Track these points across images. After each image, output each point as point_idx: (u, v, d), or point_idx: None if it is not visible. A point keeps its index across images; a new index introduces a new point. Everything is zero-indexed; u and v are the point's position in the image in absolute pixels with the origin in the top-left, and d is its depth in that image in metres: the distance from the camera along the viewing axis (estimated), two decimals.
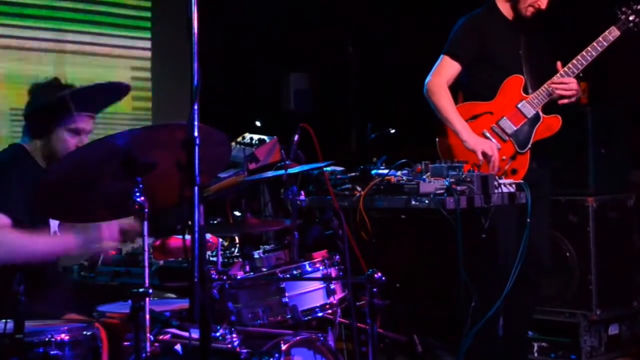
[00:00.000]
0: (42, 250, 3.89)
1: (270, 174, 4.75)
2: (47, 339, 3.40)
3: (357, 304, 4.16)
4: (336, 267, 4.13)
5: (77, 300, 4.34)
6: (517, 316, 5.29)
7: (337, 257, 4.16)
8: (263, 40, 8.14)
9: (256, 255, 4.77)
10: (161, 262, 4.71)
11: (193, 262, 2.86)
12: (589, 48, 5.15)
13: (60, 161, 3.71)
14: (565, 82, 5.13)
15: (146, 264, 3.32)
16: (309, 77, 8.34)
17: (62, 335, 3.45)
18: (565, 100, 5.17)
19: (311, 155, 4.83)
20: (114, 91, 4.23)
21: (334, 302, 4.03)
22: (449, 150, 5.21)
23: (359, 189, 4.93)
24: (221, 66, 7.23)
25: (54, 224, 4.13)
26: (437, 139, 5.28)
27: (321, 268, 4.07)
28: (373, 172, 5.02)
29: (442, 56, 5.25)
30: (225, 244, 5.02)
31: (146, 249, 3.32)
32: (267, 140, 5.49)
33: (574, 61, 5.14)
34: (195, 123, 2.91)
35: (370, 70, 8.17)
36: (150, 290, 3.24)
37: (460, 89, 5.37)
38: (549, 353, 6.21)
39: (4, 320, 3.32)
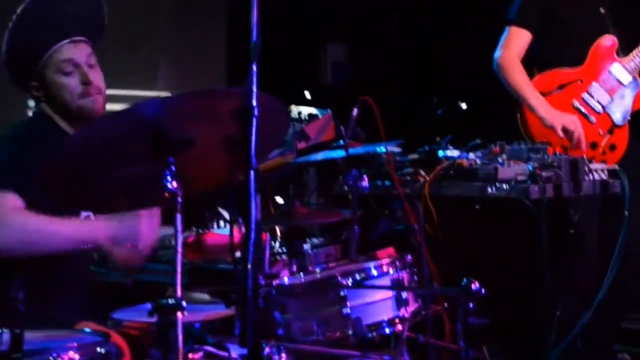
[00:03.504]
0: (62, 236, 3.31)
1: (324, 154, 4.11)
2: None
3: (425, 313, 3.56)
4: (408, 271, 3.50)
5: (88, 302, 3.77)
6: (604, 327, 4.83)
7: (409, 257, 3.53)
8: (298, 8, 7.80)
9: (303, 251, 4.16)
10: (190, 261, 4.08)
11: (245, 268, 2.29)
12: None
13: (71, 138, 3.08)
14: None
15: (179, 268, 2.69)
16: (348, 49, 8.09)
17: (71, 354, 2.85)
18: None
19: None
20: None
21: (406, 315, 3.44)
22: (530, 130, 4.89)
23: (423, 173, 4.55)
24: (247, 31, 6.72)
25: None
26: (518, 116, 4.89)
27: (391, 271, 3.45)
28: (439, 153, 4.61)
29: (507, 28, 4.96)
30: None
31: (179, 249, 2.69)
32: (320, 115, 4.85)
33: None
34: (254, 89, 2.40)
35: (416, 40, 7.78)
36: (184, 303, 2.65)
37: (535, 64, 5.00)
38: None
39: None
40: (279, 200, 4.64)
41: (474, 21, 6.77)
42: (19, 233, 3.22)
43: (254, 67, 2.37)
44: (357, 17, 7.77)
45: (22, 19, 3.40)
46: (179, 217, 2.76)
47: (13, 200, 3.28)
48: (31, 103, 5.65)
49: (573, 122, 4.70)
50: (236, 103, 2.47)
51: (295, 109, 4.89)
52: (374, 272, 3.47)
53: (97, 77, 3.51)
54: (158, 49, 7.74)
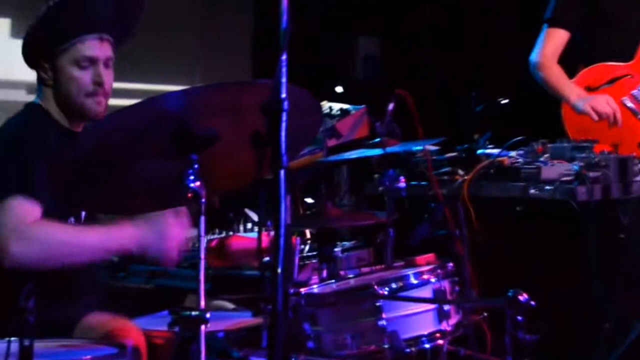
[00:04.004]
0: (89, 247, 3.13)
1: (357, 153, 3.89)
2: None
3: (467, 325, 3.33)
4: (450, 280, 3.27)
5: (105, 308, 3.56)
6: None
7: (450, 264, 3.30)
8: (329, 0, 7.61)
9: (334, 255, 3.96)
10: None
11: (274, 277, 2.06)
12: None
13: (85, 133, 2.87)
14: None
15: (202, 276, 2.47)
16: (380, 42, 7.85)
17: None
18: None
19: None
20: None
21: (447, 329, 3.21)
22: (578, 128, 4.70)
23: (461, 172, 4.35)
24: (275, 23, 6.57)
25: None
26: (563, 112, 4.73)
27: (432, 280, 3.20)
28: (478, 152, 4.43)
29: (544, 28, 4.84)
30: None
31: (203, 255, 2.48)
32: (352, 111, 4.62)
33: None
34: (284, 80, 2.18)
35: (451, 33, 7.57)
36: (208, 315, 2.45)
37: (580, 60, 4.86)
38: None
39: (7, 340, 2.59)
40: (309, 200, 4.42)
41: (514, 11, 6.56)
42: (43, 247, 3.05)
43: (284, 57, 2.14)
44: (389, 9, 7.55)
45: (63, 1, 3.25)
46: (202, 220, 2.55)
47: (30, 209, 3.09)
48: None
49: (603, 102, 4.56)
50: (264, 96, 2.27)
51: (326, 105, 4.66)
52: (414, 281, 3.23)
53: (109, 79, 3.35)
54: (183, 41, 7.53)
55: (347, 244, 4.21)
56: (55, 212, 3.12)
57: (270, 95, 2.13)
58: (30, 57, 3.37)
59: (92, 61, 3.29)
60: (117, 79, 3.42)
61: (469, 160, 4.40)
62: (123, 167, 2.66)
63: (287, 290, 2.14)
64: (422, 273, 3.25)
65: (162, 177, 2.68)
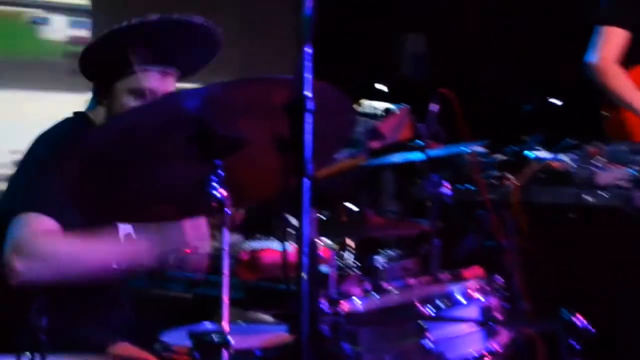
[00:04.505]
0: (101, 261, 2.94)
1: (401, 156, 3.66)
2: None
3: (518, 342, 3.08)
4: (499, 296, 3.02)
5: (139, 318, 3.39)
6: None
7: (499, 278, 3.05)
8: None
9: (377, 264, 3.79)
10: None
11: (299, 300, 1.85)
12: None
13: (96, 131, 2.66)
14: None
15: (225, 295, 2.25)
16: (427, 39, 7.60)
17: None
18: None
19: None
20: (202, 37, 3.11)
21: (498, 348, 2.93)
22: (624, 128, 4.63)
23: (510, 177, 4.14)
24: (323, 23, 6.36)
25: (124, 226, 3.16)
26: (604, 113, 4.62)
27: (479, 297, 2.95)
28: (528, 154, 4.24)
29: (601, 27, 4.63)
30: (335, 247, 3.95)
31: (226, 271, 2.26)
32: (395, 111, 4.39)
33: None
34: (307, 76, 1.95)
35: (499, 31, 7.28)
36: (231, 340, 2.24)
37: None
38: None
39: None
40: (352, 207, 4.18)
41: (566, 7, 6.32)
42: (46, 262, 2.86)
43: (308, 49, 1.91)
44: (438, 6, 7.35)
45: (134, 30, 3.02)
46: (226, 232, 2.33)
47: (43, 223, 2.90)
48: None
49: None
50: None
51: (367, 104, 4.43)
52: (460, 298, 2.96)
53: None
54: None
55: (391, 253, 3.98)
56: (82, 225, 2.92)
57: (293, 93, 1.90)
58: (88, 71, 3.16)
59: (149, 92, 3.05)
60: None
61: (518, 163, 4.22)
62: (142, 171, 2.46)
63: (314, 310, 1.92)
64: (468, 289, 2.99)
65: (186, 183, 2.47)
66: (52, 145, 3.02)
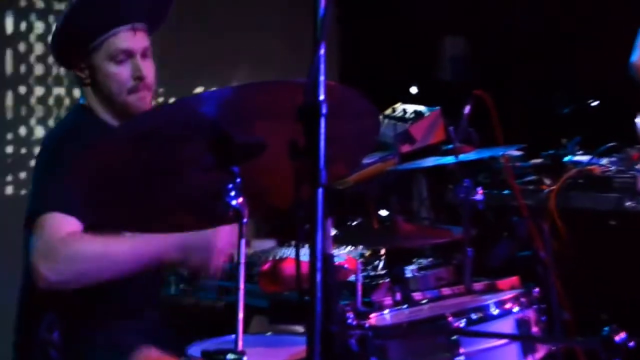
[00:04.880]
0: (124, 259, 2.81)
1: (433, 160, 3.51)
2: None
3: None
4: (536, 308, 2.84)
5: (168, 328, 3.29)
6: None
7: (536, 290, 2.88)
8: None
9: (408, 274, 3.59)
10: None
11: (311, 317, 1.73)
12: None
13: (107, 137, 2.55)
14: None
15: (241, 311, 2.12)
16: (467, 41, 7.39)
17: None
18: None
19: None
20: None
21: None
22: None
23: (547, 182, 4.11)
24: (359, 25, 6.46)
25: None
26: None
27: (515, 310, 2.78)
28: (566, 158, 4.18)
29: None
30: (366, 254, 3.81)
31: (242, 285, 2.14)
32: (427, 113, 4.23)
33: None
34: (321, 78, 1.80)
35: (541, 33, 7.00)
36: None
37: None
38: None
39: None
40: (383, 213, 4.03)
41: (607, 7, 6.13)
42: (71, 263, 2.75)
43: (322, 50, 1.78)
44: (477, 7, 7.13)
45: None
46: (242, 243, 2.20)
47: (64, 224, 2.80)
48: None
49: None
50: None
51: (400, 107, 4.28)
52: (494, 311, 2.77)
53: (149, 70, 3.07)
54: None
55: (424, 261, 3.81)
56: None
57: (306, 96, 1.77)
58: (63, 57, 3.13)
59: (129, 54, 3.02)
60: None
61: (555, 167, 4.15)
62: (157, 179, 2.33)
63: (327, 326, 1.78)
64: (504, 302, 2.78)
65: (202, 191, 2.33)
66: (58, 142, 3.01)
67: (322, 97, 1.77)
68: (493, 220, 3.75)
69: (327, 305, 1.75)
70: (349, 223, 4.07)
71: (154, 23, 3.11)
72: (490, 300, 2.80)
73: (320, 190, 1.74)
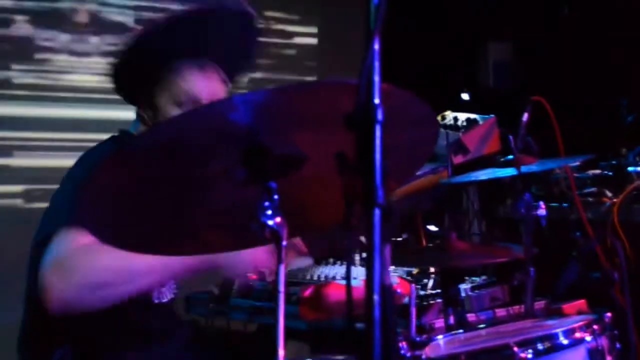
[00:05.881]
0: (145, 270, 2.50)
1: (489, 172, 3.19)
2: None
3: None
4: (609, 335, 2.53)
5: (197, 353, 3.00)
6: None
7: (608, 315, 2.56)
8: (456, 2, 7.04)
9: (462, 293, 3.27)
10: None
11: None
12: None
13: (124, 152, 2.25)
14: None
15: (281, 341, 1.85)
16: (512, 47, 7.26)
17: None
18: None
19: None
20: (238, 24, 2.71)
21: None
22: None
23: (609, 194, 3.90)
24: (402, 31, 6.00)
25: None
26: None
27: (587, 338, 2.46)
28: (630, 169, 3.96)
29: None
30: (414, 271, 3.50)
31: (281, 311, 1.87)
32: (480, 121, 3.92)
33: None
34: (376, 79, 1.49)
35: (590, 37, 6.79)
36: None
37: None
38: None
39: None
40: (433, 228, 3.72)
41: None
42: (89, 274, 2.43)
43: (376, 45, 1.48)
44: (522, 12, 6.96)
45: (164, 23, 2.65)
46: (282, 269, 1.91)
47: (83, 237, 2.44)
48: None
49: None
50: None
51: (450, 115, 3.97)
52: (564, 341, 2.47)
53: None
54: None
55: (477, 279, 3.50)
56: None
57: (357, 101, 1.48)
58: (125, 92, 2.79)
59: (194, 100, 2.68)
60: None
61: (618, 179, 3.92)
62: (182, 195, 2.04)
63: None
64: (574, 330, 2.49)
65: (235, 209, 2.05)
66: (90, 166, 2.63)
67: (377, 101, 1.47)
68: (552, 236, 3.45)
69: (386, 343, 1.45)
70: (394, 240, 3.79)
71: (234, 67, 2.80)
72: (558, 328, 2.49)
73: (377, 212, 1.44)
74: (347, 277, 1.76)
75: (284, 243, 1.90)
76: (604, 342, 2.52)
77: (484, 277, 3.52)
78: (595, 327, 2.50)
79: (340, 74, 4.92)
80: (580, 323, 2.50)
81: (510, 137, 3.09)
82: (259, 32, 2.74)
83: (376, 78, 1.48)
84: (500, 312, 3.18)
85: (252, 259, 2.56)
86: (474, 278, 3.51)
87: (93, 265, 2.43)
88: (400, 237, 3.81)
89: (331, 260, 3.56)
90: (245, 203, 2.01)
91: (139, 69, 2.65)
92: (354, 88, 1.66)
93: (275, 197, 1.91)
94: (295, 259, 2.82)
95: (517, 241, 3.20)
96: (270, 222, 1.89)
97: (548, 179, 3.90)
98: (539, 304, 3.11)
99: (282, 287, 1.88)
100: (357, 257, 3.75)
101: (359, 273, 3.49)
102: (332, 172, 2.00)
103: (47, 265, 2.42)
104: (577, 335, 2.49)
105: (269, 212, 1.90)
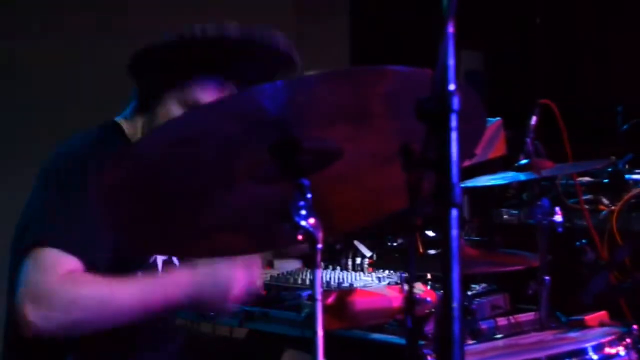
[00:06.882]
0: (128, 304, 2.32)
1: (500, 177, 3.05)
2: None
3: None
4: (637, 348, 2.38)
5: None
6: None
7: (635, 328, 2.42)
8: (425, 9, 6.75)
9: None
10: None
11: None
12: None
13: (144, 141, 2.06)
14: None
15: (320, 344, 1.69)
16: (483, 56, 7.09)
17: None
18: None
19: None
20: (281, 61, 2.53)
21: None
22: None
23: (605, 201, 3.69)
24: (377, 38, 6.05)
25: (159, 261, 2.61)
26: None
27: (621, 353, 2.32)
28: (628, 176, 3.73)
29: None
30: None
31: (320, 321, 1.70)
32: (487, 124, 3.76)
33: None
34: (450, 63, 1.36)
35: (563, 46, 6.69)
36: None
37: None
38: None
39: None
40: (430, 234, 3.55)
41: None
42: (73, 312, 2.26)
43: (450, 29, 1.33)
44: (494, 21, 6.85)
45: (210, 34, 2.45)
46: (318, 273, 1.74)
47: (65, 264, 2.30)
48: None
49: None
50: (398, 90, 1.53)
51: None
52: (594, 356, 2.32)
53: None
54: None
55: (476, 287, 3.36)
56: (114, 263, 2.37)
57: (433, 87, 1.32)
58: (139, 73, 2.59)
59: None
60: None
61: (615, 186, 3.70)
62: (202, 193, 1.86)
63: None
64: (603, 345, 2.35)
65: (260, 207, 1.90)
66: (77, 162, 2.46)
67: (452, 87, 1.32)
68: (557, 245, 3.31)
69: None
70: (389, 244, 3.64)
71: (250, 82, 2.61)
72: (586, 342, 2.34)
73: (454, 212, 1.28)
74: (410, 287, 1.61)
75: (319, 246, 1.73)
76: (634, 356, 2.39)
77: (483, 285, 3.38)
78: (627, 341, 2.36)
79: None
80: (610, 337, 2.35)
81: (528, 139, 2.94)
82: (295, 69, 2.58)
83: (451, 62, 1.33)
84: (502, 321, 3.03)
85: (237, 282, 2.40)
86: (473, 285, 3.37)
87: (75, 302, 2.26)
88: (394, 241, 3.68)
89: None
90: (266, 203, 1.87)
91: (166, 62, 2.51)
92: (394, 75, 1.52)
93: (309, 195, 1.75)
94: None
95: (517, 248, 3.09)
96: (303, 223, 1.73)
97: (540, 184, 3.72)
98: (528, 316, 2.98)
99: (318, 295, 1.71)
100: (349, 263, 3.62)
101: (352, 279, 3.34)
102: (363, 171, 1.87)
103: (25, 297, 2.24)
104: (608, 350, 2.35)
105: (303, 212, 1.73)
